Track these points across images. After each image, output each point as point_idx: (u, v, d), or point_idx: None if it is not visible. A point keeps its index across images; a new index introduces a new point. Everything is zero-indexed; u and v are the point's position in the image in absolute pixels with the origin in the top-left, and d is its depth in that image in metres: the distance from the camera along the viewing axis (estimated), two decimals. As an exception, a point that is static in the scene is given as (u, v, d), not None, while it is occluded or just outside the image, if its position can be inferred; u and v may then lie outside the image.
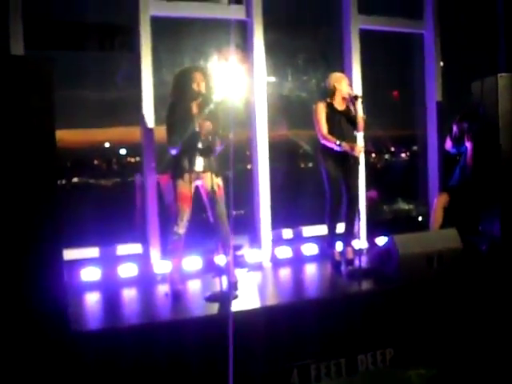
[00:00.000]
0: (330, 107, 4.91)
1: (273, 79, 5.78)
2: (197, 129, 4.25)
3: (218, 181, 4.31)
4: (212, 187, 4.19)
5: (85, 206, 5.07)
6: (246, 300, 4.17)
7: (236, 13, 5.42)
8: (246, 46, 5.49)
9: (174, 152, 4.25)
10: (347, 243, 5.05)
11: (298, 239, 5.67)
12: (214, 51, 5.43)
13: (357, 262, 4.78)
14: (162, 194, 4.82)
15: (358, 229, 5.29)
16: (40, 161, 3.43)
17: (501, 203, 5.32)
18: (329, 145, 4.82)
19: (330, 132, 4.83)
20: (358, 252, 4.90)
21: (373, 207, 6.20)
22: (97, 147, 5.79)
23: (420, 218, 6.51)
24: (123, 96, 5.29)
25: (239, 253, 5.18)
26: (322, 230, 5.41)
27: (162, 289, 4.53)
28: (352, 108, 4.88)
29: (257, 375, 3.72)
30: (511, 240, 5.20)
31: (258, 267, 5.27)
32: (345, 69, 5.79)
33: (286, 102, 5.94)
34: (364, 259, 5.11)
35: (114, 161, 5.96)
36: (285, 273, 5.18)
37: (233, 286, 4.28)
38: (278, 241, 5.57)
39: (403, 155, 7.18)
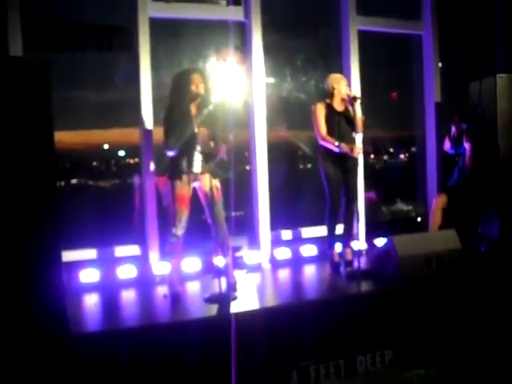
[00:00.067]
0: (329, 108, 4.91)
1: (271, 80, 5.78)
2: (195, 130, 4.25)
3: (216, 182, 4.31)
4: (211, 189, 4.19)
5: (84, 208, 5.07)
6: (246, 301, 4.16)
7: (234, 14, 5.42)
8: (244, 47, 5.49)
9: (170, 154, 4.25)
10: (346, 244, 5.05)
11: (297, 240, 5.67)
12: (212, 52, 5.44)
13: (356, 263, 4.80)
14: (160, 195, 4.81)
15: (357, 230, 5.29)
16: (39, 162, 3.42)
17: (500, 204, 5.33)
18: (327, 146, 4.82)
19: (329, 133, 4.83)
20: (357, 253, 4.91)
21: (372, 208, 6.20)
22: (96, 148, 5.78)
23: (419, 219, 6.50)
24: (122, 97, 5.29)
25: (238, 254, 5.18)
26: (321, 231, 5.41)
27: (161, 290, 4.52)
28: (351, 109, 4.89)
29: (256, 376, 3.72)
30: (510, 241, 5.20)
31: (257, 268, 5.27)
32: (343, 70, 5.78)
33: (285, 103, 5.94)
34: (363, 260, 5.12)
35: (113, 162, 5.95)
36: (284, 274, 5.17)
37: (232, 287, 4.28)
38: (277, 242, 5.56)
39: (402, 156, 7.19)
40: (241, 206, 5.60)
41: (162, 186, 4.45)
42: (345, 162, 4.83)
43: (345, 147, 4.76)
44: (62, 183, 5.41)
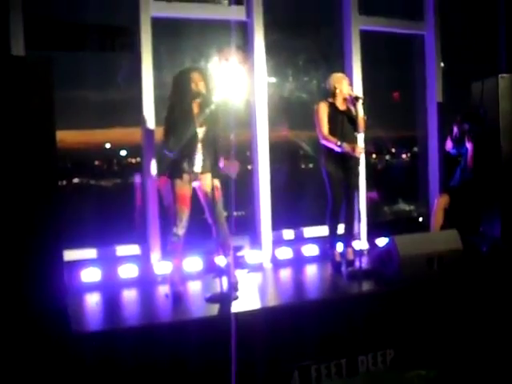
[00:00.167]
0: (332, 107, 4.90)
1: (273, 80, 5.78)
2: (197, 129, 4.25)
3: (216, 182, 4.31)
4: (212, 189, 4.19)
5: (85, 207, 5.07)
6: (247, 301, 4.16)
7: (236, 14, 5.42)
8: (246, 47, 5.49)
9: (169, 155, 4.25)
10: (348, 244, 5.05)
11: (299, 240, 5.67)
12: (214, 52, 5.44)
13: (357, 263, 4.79)
14: (161, 195, 4.81)
15: (359, 230, 5.28)
16: (40, 161, 3.43)
17: (501, 204, 5.32)
18: (329, 145, 4.82)
19: (331, 132, 4.83)
20: (359, 253, 4.90)
21: (373, 208, 6.19)
22: (97, 148, 5.78)
23: (420, 219, 6.50)
24: (124, 97, 5.30)
25: (240, 254, 5.18)
26: (322, 230, 5.41)
27: (163, 290, 4.52)
28: (353, 109, 4.88)
29: (257, 376, 3.72)
30: (512, 241, 5.20)
31: (259, 268, 5.27)
32: (345, 70, 5.78)
33: (287, 102, 5.94)
34: (364, 260, 5.12)
35: (115, 162, 5.96)
36: (285, 274, 5.17)
37: (233, 286, 4.27)
38: (278, 242, 5.56)
39: (404, 156, 7.18)
40: (242, 206, 5.60)
41: (163, 186, 4.45)
42: (346, 162, 4.83)
43: (347, 147, 4.75)
44: (64, 182, 5.41)
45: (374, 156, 6.81)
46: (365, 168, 5.65)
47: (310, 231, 5.75)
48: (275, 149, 5.63)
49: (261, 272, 5.20)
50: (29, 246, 3.36)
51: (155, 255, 5.01)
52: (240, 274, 4.76)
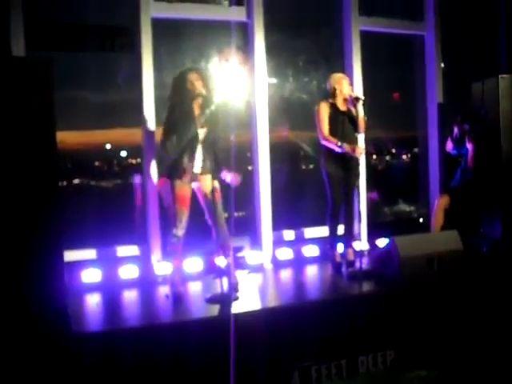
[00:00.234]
0: (333, 108, 4.90)
1: (274, 80, 5.78)
2: (198, 130, 4.25)
3: (215, 183, 4.31)
4: (212, 190, 4.19)
5: (86, 208, 5.06)
6: (247, 302, 4.16)
7: (237, 14, 5.42)
8: (246, 48, 5.49)
9: (168, 157, 4.27)
10: (348, 245, 5.05)
11: (299, 241, 5.67)
12: (214, 53, 5.43)
13: (358, 264, 4.78)
14: (160, 196, 4.81)
15: (359, 230, 5.28)
16: (41, 162, 3.43)
17: (502, 204, 5.32)
18: (330, 146, 4.81)
19: (332, 133, 4.82)
20: (359, 254, 4.90)
21: (374, 209, 6.19)
22: (98, 149, 5.79)
23: (421, 220, 6.50)
24: (124, 97, 5.30)
25: (240, 254, 5.18)
26: (323, 231, 5.40)
27: (163, 290, 4.52)
28: (353, 109, 4.88)
29: (258, 377, 3.72)
30: (512, 241, 5.20)
31: (259, 269, 5.27)
32: (346, 70, 5.77)
33: (287, 103, 5.94)
34: (365, 261, 5.11)
35: (115, 162, 5.96)
36: (286, 274, 5.17)
37: (233, 287, 4.27)
38: (278, 242, 5.56)
39: (404, 157, 7.18)
40: (243, 207, 5.60)
41: (162, 187, 4.44)
42: (347, 162, 4.82)
43: (347, 147, 4.75)
44: (64, 183, 5.41)
45: (374, 157, 6.81)
46: (365, 168, 5.65)
47: (310, 232, 5.75)
48: (275, 149, 5.63)
49: (261, 273, 5.19)
50: (29, 247, 3.37)
51: (155, 256, 5.01)
52: (240, 275, 4.76)
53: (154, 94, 5.01)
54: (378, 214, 6.41)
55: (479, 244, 5.31)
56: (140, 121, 5.02)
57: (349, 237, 5.05)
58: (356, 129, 4.88)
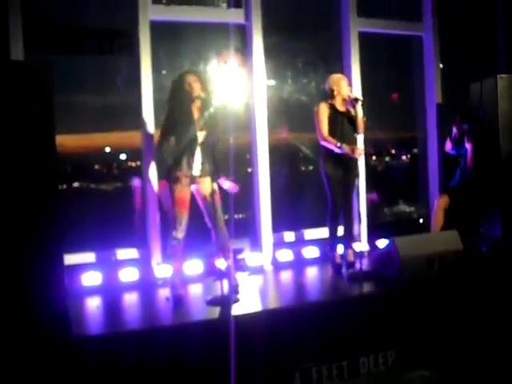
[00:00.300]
0: (332, 108, 4.90)
1: (272, 82, 5.78)
2: (197, 133, 4.26)
3: (215, 185, 4.31)
4: (211, 193, 4.19)
5: (85, 211, 5.06)
6: (248, 303, 4.16)
7: (235, 16, 5.42)
8: (245, 50, 5.49)
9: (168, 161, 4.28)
10: (348, 246, 5.05)
11: (299, 242, 5.67)
12: (213, 55, 5.44)
13: (358, 265, 4.79)
14: (160, 199, 4.82)
15: (359, 231, 5.28)
16: (40, 166, 3.43)
17: (501, 204, 5.32)
18: (329, 146, 4.81)
19: (331, 133, 4.82)
20: (359, 254, 4.90)
21: (373, 209, 6.19)
22: (97, 152, 5.79)
23: (421, 220, 6.51)
24: (123, 100, 5.30)
25: (240, 256, 5.18)
26: (323, 232, 5.40)
27: (163, 293, 4.52)
28: (352, 110, 4.88)
29: (259, 378, 3.72)
30: (512, 241, 5.20)
31: (259, 270, 5.27)
32: (344, 71, 5.77)
33: (286, 105, 5.94)
34: (365, 262, 5.12)
35: (115, 165, 5.96)
36: (286, 276, 5.17)
37: (234, 289, 4.27)
38: (279, 244, 5.56)
39: (403, 157, 7.18)
40: (243, 209, 5.60)
41: (162, 189, 4.44)
42: (346, 163, 4.82)
43: (346, 148, 4.75)
44: (64, 186, 5.41)
45: (373, 157, 6.81)
46: (365, 169, 5.65)
47: (310, 233, 5.75)
48: (275, 151, 5.64)
49: (261, 274, 5.19)
50: (29, 250, 3.36)
51: (155, 258, 5.01)
52: (240, 277, 4.75)
53: (152, 97, 5.02)
54: (378, 215, 6.42)
55: (479, 244, 5.31)
56: (139, 124, 5.03)
57: (349, 238, 5.05)
58: (355, 129, 4.88)
